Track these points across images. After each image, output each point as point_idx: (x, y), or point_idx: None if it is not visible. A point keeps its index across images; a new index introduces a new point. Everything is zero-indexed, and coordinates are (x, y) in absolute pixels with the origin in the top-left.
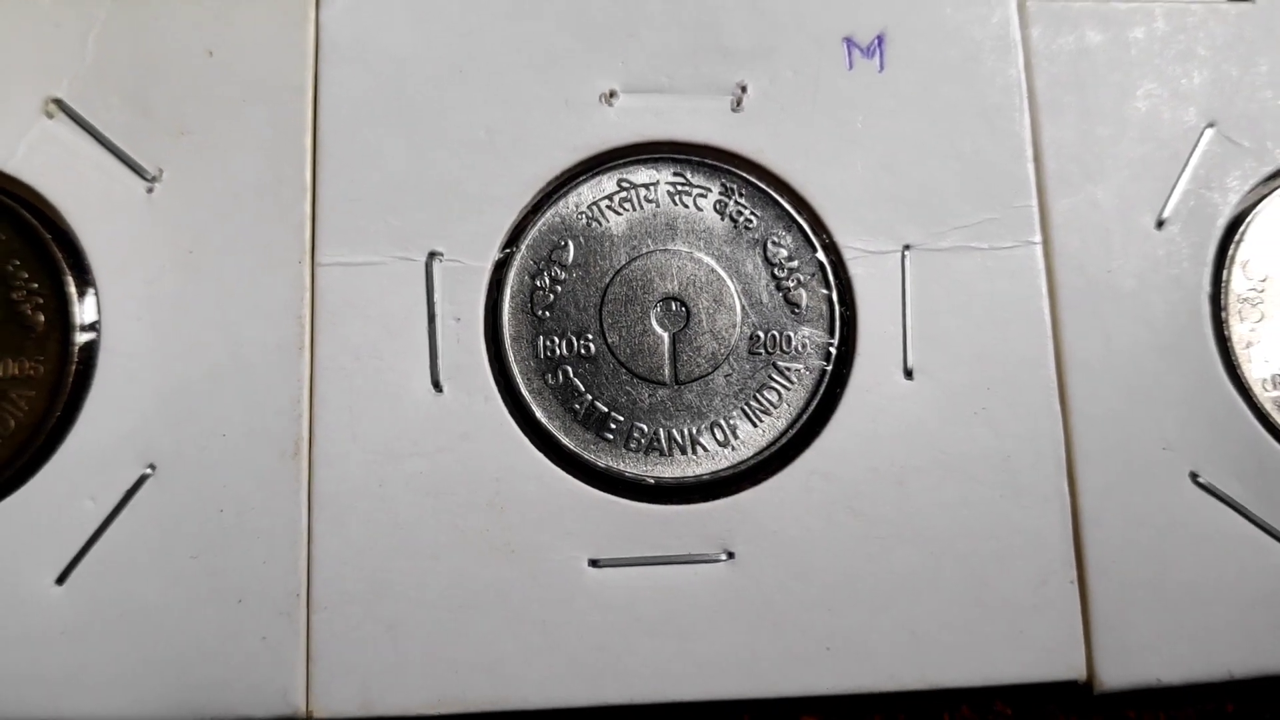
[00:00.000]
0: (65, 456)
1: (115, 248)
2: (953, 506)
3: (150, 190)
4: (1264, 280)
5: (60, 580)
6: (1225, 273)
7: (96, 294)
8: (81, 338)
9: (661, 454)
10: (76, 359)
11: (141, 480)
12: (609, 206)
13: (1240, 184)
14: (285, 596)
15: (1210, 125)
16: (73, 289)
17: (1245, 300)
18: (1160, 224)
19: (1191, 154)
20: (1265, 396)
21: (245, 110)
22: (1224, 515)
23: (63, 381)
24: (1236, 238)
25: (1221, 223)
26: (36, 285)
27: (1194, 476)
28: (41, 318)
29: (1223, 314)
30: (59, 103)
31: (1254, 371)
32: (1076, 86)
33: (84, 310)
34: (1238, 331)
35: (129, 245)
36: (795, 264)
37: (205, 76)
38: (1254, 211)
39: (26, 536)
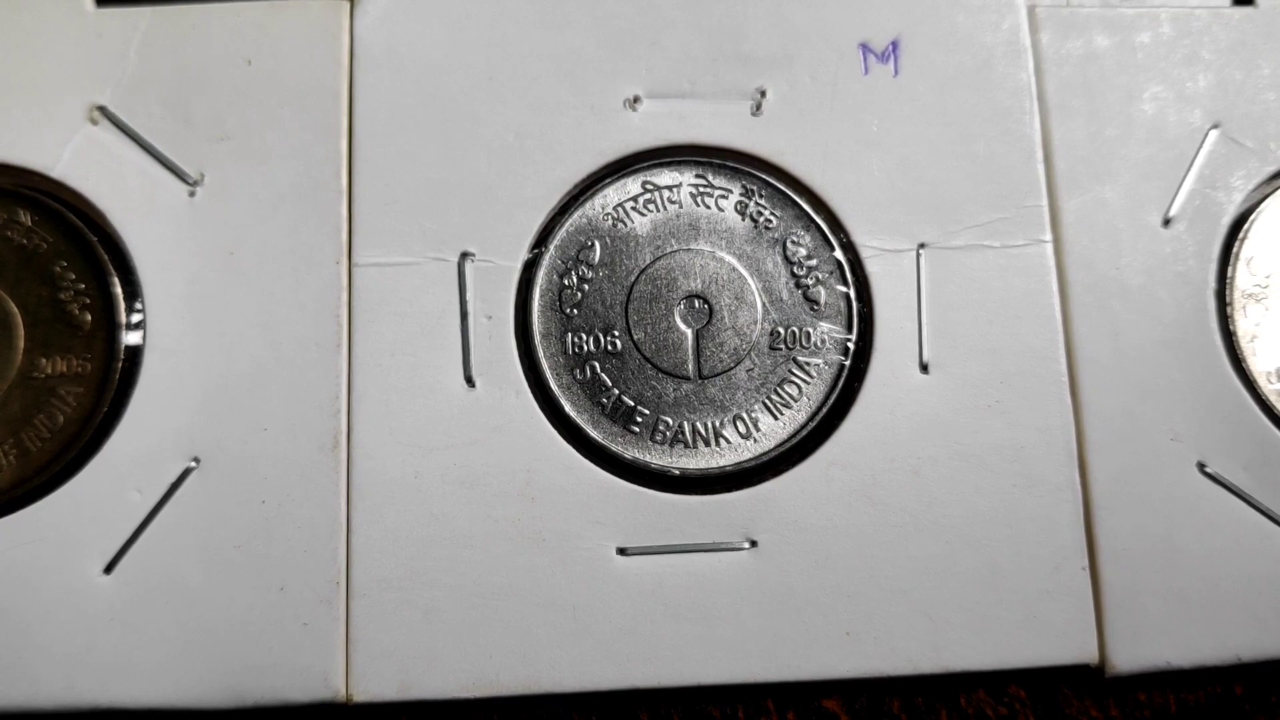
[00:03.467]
0: (112, 450)
1: (159, 249)
2: (968, 496)
3: (192, 194)
4: (1268, 276)
5: (108, 569)
6: (1230, 269)
7: (141, 294)
8: (127, 336)
9: (686, 446)
10: (123, 357)
11: (186, 473)
12: (634, 208)
13: (1244, 183)
14: (325, 584)
15: (1215, 126)
16: (118, 289)
17: (1250, 296)
18: (1167, 222)
19: (1197, 154)
20: (1269, 389)
21: (283, 116)
22: (1230, 504)
23: (109, 378)
24: (1241, 235)
25: (1226, 221)
26: (83, 286)
27: (1201, 466)
28: (89, 317)
29: (1228, 309)
30: (103, 110)
31: (1258, 365)
32: (1085, 89)
33: (129, 310)
34: (1242, 326)
35: (172, 247)
36: (814, 262)
37: (244, 84)
38: (1258, 210)
39: (76, 527)
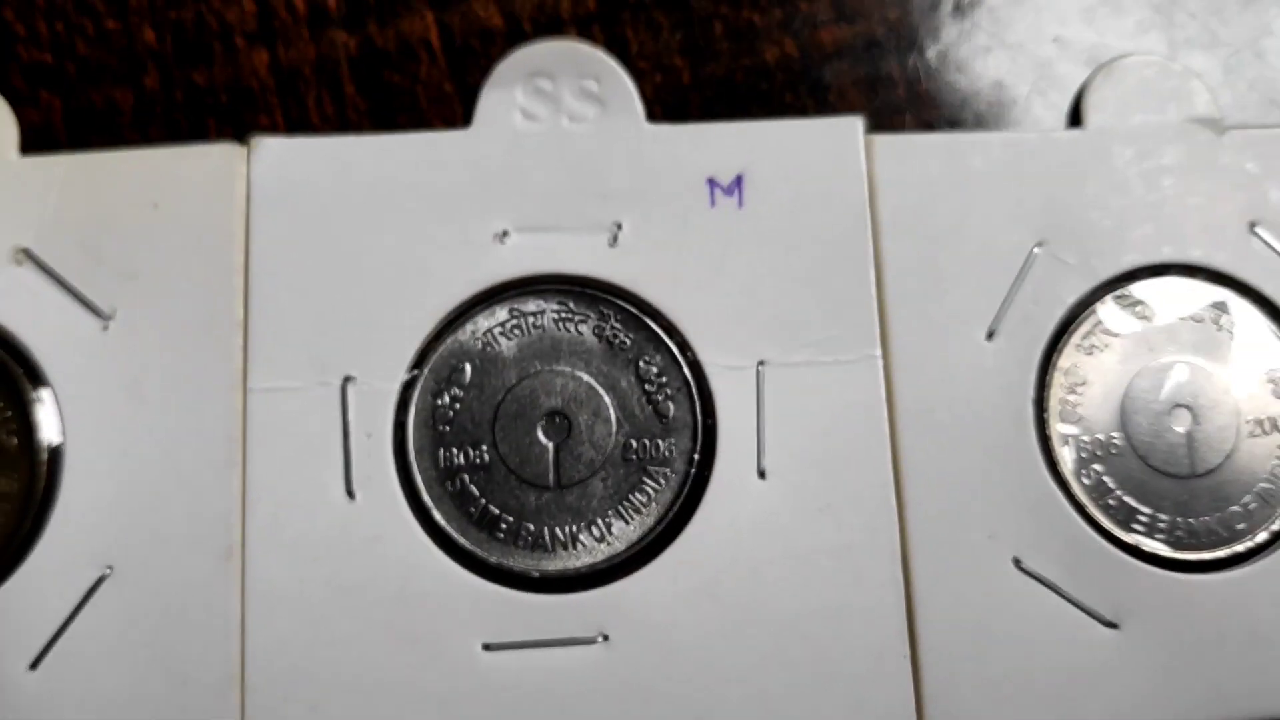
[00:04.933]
0: (36, 559)
1: (75, 378)
2: (800, 592)
3: (105, 328)
4: (1083, 384)
5: (33, 666)
6: (1048, 378)
7: (61, 418)
8: (49, 456)
9: (546, 550)
10: (44, 476)
11: (101, 580)
12: (501, 332)
13: (1066, 297)
14: (222, 680)
15: (1039, 244)
16: (39, 415)
17: (1065, 402)
18: (990, 335)
19: (1022, 271)
20: (1080, 489)
21: (185, 255)
22: (1045, 596)
23: (33, 495)
24: (1060, 346)
25: (1047, 333)
26: (10, 413)
27: (1017, 562)
28: (15, 441)
29: (1045, 415)
30: (26, 252)
31: (1070, 467)
32: (918, 212)
33: (49, 433)
34: (1058, 430)
35: (87, 376)
36: (665, 379)
37: (151, 226)
38: (1076, 322)
39: (4, 628)
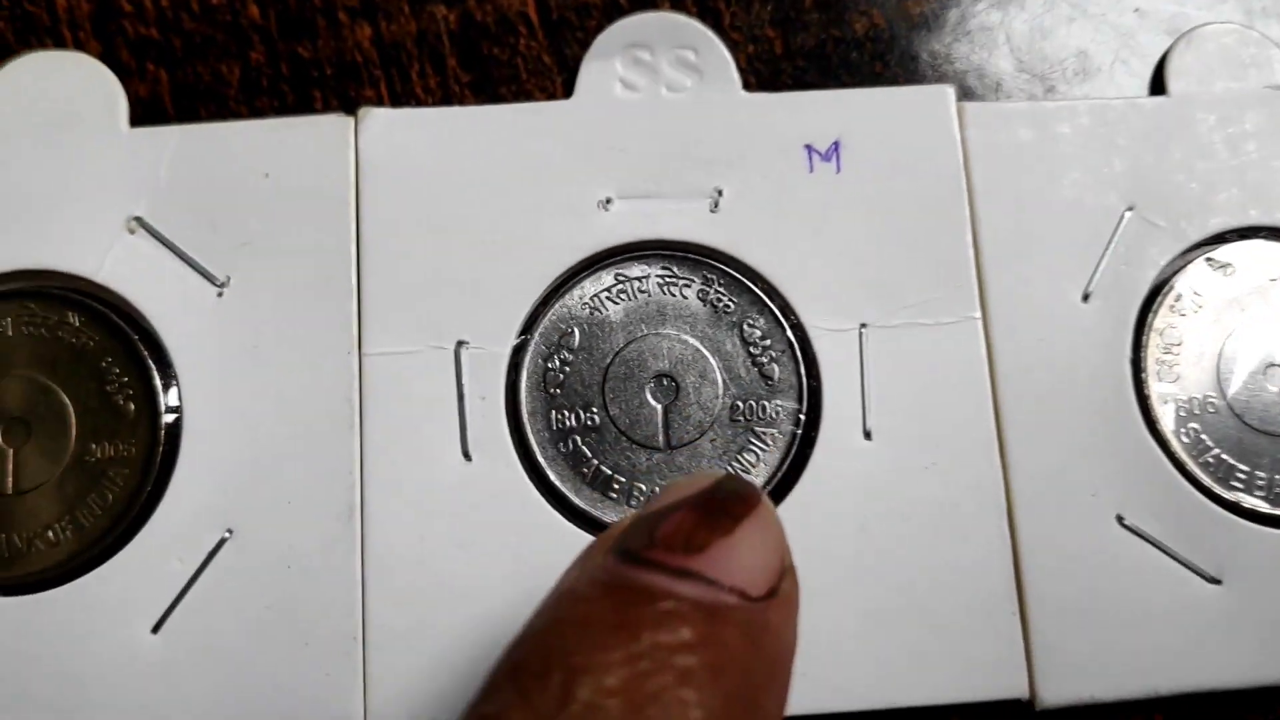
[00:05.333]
0: (156, 524)
1: (192, 344)
2: (907, 550)
3: (220, 294)
4: (1179, 345)
5: (155, 629)
6: (1144, 339)
7: (178, 384)
8: (167, 421)
9: None
10: (163, 441)
11: (221, 543)
12: (608, 297)
13: (1157, 259)
14: (344, 639)
15: (1130, 208)
16: (158, 381)
17: (1162, 363)
18: (1086, 297)
19: (1114, 234)
20: (1179, 447)
21: (298, 223)
22: (1146, 552)
23: (152, 460)
24: (1154, 308)
25: (1140, 294)
26: (127, 379)
27: (1119, 519)
28: (132, 406)
29: (1142, 375)
30: (139, 220)
31: (1169, 425)
32: (1011, 178)
33: (168, 399)
34: (1155, 390)
35: (203, 342)
36: (768, 342)
37: (263, 195)
38: (1169, 284)
39: (126, 593)
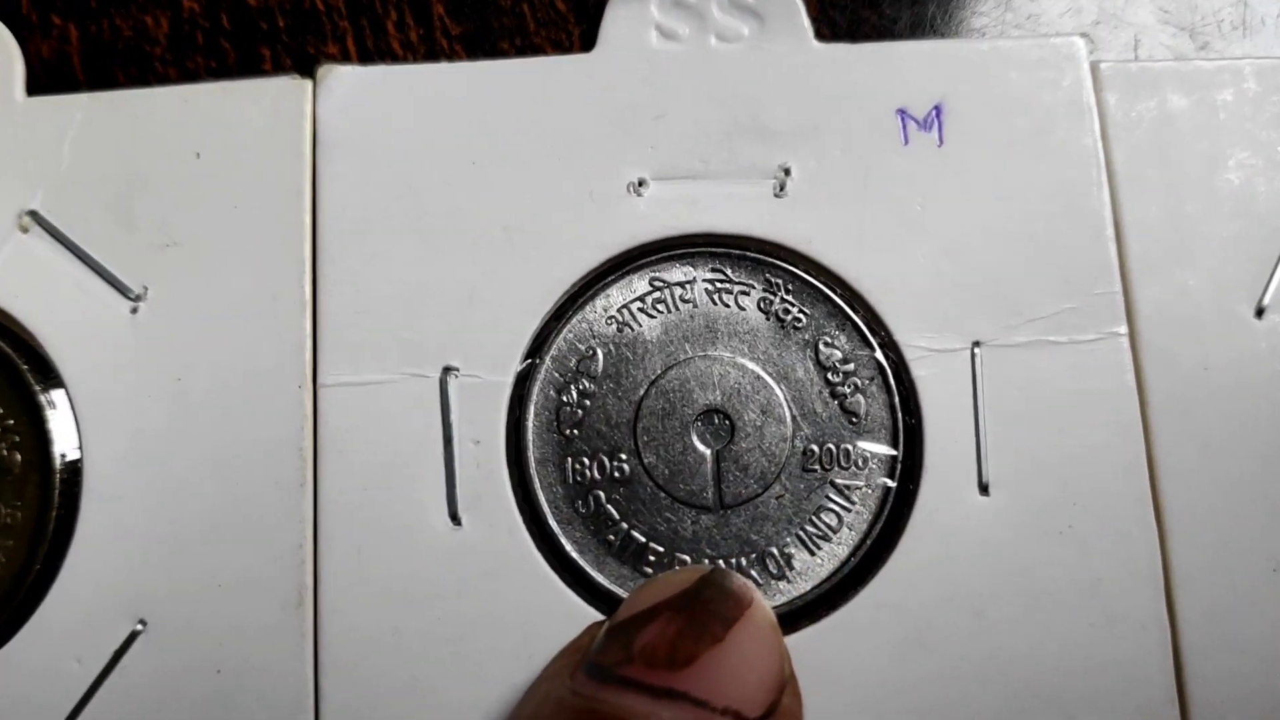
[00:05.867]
0: (48, 612)
1: (97, 376)
2: (1038, 639)
3: (134, 310)
4: None
5: None
6: None
7: (78, 429)
8: (63, 478)
9: None
10: (58, 504)
11: (132, 638)
12: (641, 309)
13: None
14: None
15: None
16: (51, 424)
17: None
18: (1260, 312)
19: None
20: None
21: (237, 217)
22: None
23: (44, 529)
24: None
25: None
26: (12, 421)
27: None
28: (19, 457)
29: None
30: (34, 215)
31: None
32: (1160, 157)
33: (64, 447)
34: None
35: (112, 373)
36: (851, 367)
37: (193, 181)
38: None
39: (10, 703)
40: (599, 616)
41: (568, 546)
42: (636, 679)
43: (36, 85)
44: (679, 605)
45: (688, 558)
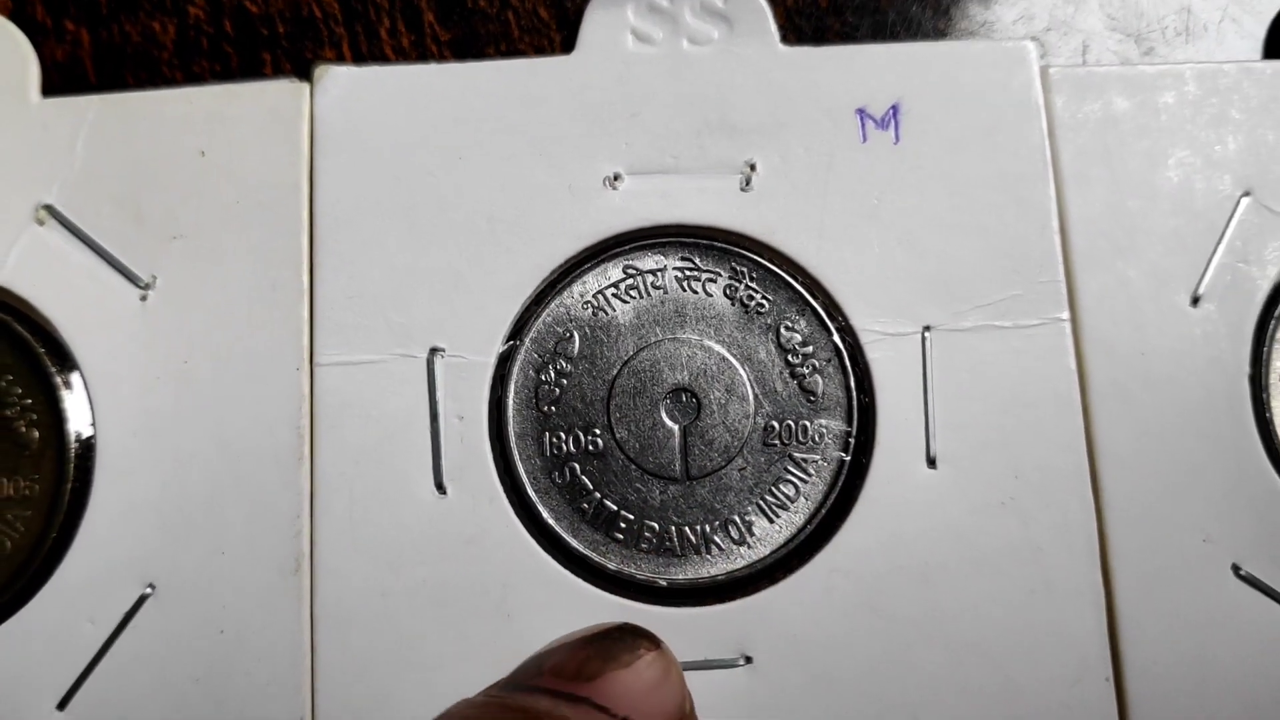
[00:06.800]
0: (63, 577)
1: (109, 359)
2: (980, 603)
3: (143, 298)
4: None
5: (62, 705)
6: (1265, 351)
7: (91, 408)
8: (77, 452)
9: (674, 554)
10: (73, 477)
11: (141, 600)
12: (615, 295)
13: None
14: (290, 719)
15: (1246, 194)
16: (66, 404)
17: None
18: (1195, 300)
19: (1227, 225)
20: None
21: (239, 211)
22: (1269, 609)
23: (59, 500)
24: (1277, 313)
25: (1260, 297)
26: (30, 401)
27: (1236, 569)
28: (36, 434)
29: (1264, 395)
30: (50, 209)
31: None
32: (1104, 156)
33: (79, 425)
34: None
35: (123, 356)
36: (810, 349)
37: (198, 177)
38: None
39: (27, 661)
40: (573, 579)
41: (545, 514)
42: (546, 686)
43: (51, 87)
44: (590, 639)
45: (656, 524)
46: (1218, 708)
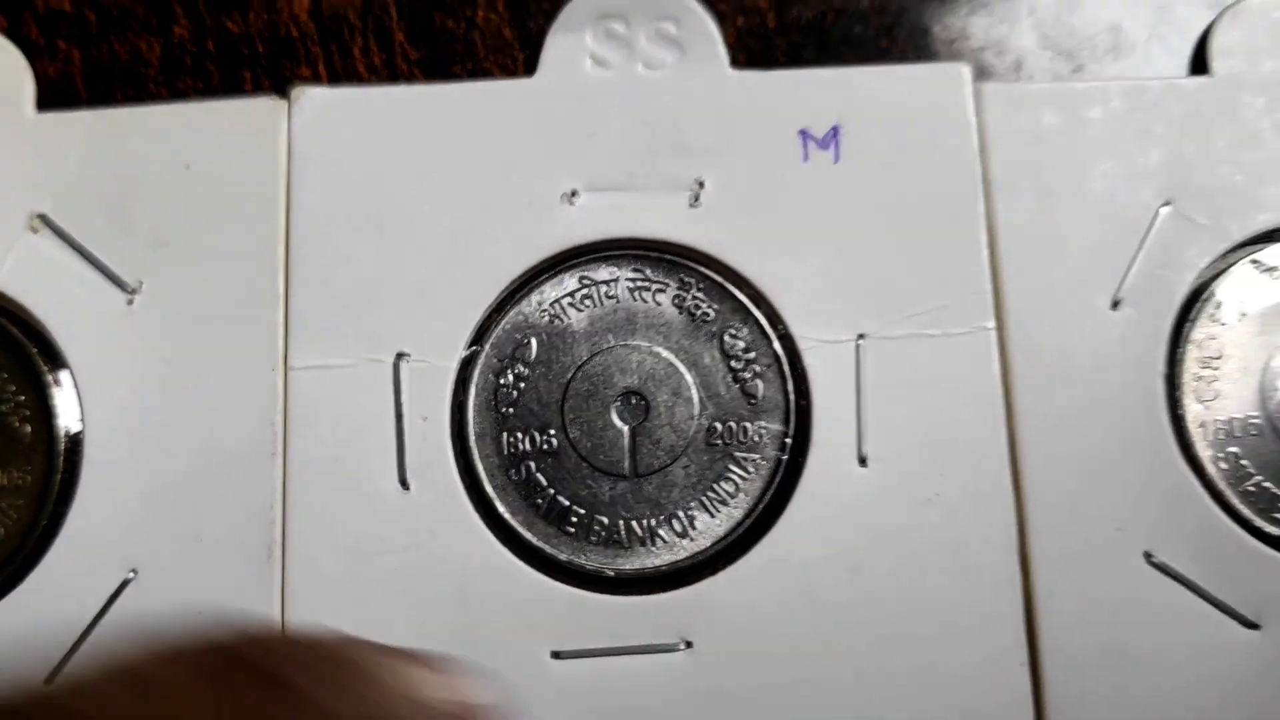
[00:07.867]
0: (52, 562)
1: (97, 359)
2: (906, 592)
3: (130, 302)
4: (1218, 359)
5: (49, 681)
6: (1180, 352)
7: (80, 404)
8: (66, 447)
9: (621, 546)
10: (61, 468)
11: (124, 584)
12: (571, 303)
13: (1196, 261)
14: None
15: (1166, 204)
16: (57, 400)
17: (1200, 379)
18: (1116, 304)
19: (1148, 233)
20: (1216, 473)
21: (221, 221)
22: (1178, 594)
23: (49, 490)
24: (1191, 316)
25: (1177, 301)
26: (23, 397)
27: (1148, 556)
28: (28, 429)
29: (1177, 393)
30: (43, 218)
31: (1205, 449)
32: (1033, 169)
33: (68, 421)
34: (1192, 411)
35: (110, 356)
36: (752, 355)
37: (183, 189)
38: (1209, 289)
39: (17, 639)
40: (528, 570)
41: (501, 509)
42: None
43: (44, 102)
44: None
45: (605, 519)
46: (1129, 687)
